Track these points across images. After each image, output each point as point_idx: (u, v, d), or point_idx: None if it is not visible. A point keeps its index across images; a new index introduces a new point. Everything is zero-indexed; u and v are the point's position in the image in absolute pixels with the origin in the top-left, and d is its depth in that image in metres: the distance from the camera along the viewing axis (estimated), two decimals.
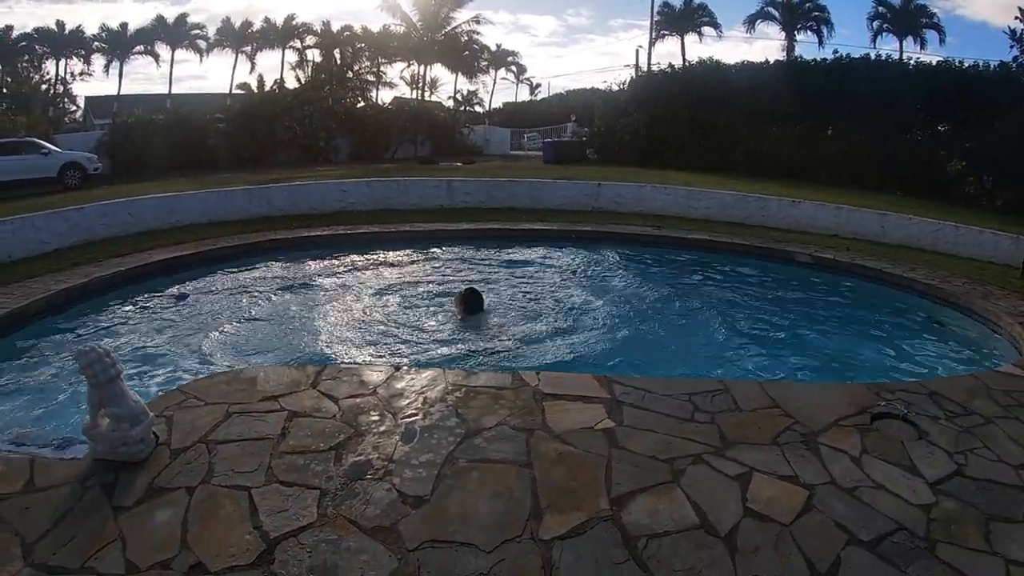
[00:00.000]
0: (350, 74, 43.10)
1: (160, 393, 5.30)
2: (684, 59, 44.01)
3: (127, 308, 9.00)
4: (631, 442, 3.98)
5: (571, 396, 4.56)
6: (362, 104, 37.23)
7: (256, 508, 3.49)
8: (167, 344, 7.57)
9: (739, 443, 4.03)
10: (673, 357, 7.18)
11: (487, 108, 59.48)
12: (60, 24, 54.67)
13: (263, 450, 4.02)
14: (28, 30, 54.52)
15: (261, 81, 42.60)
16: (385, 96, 46.02)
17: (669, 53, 70.30)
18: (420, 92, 40.42)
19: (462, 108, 45.83)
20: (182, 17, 55.94)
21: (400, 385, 4.86)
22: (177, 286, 9.87)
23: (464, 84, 48.14)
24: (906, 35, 46.99)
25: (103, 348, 4.11)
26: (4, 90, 44.05)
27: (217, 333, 7.90)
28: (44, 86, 51.65)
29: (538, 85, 77.18)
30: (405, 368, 5.28)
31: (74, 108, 58.74)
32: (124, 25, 55.66)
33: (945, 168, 20.30)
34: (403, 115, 35.09)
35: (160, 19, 55.56)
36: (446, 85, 51.42)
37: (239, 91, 46.86)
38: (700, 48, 57.97)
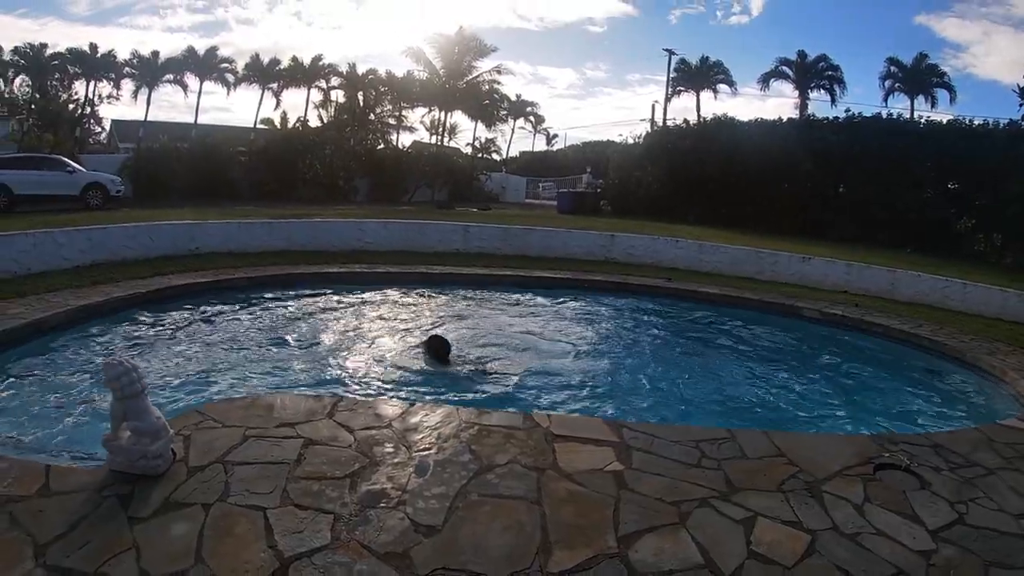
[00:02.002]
0: (372, 116, 43.68)
1: (176, 414, 5.42)
2: (699, 114, 44.63)
3: (144, 330, 9.19)
4: (639, 484, 4.07)
5: (581, 438, 4.67)
6: (382, 146, 37.77)
7: (271, 528, 3.59)
8: (185, 366, 7.73)
9: (744, 489, 4.12)
10: (680, 405, 7.27)
11: (504, 156, 60.17)
12: (93, 47, 55.63)
13: (279, 473, 4.13)
14: (61, 49, 55.54)
15: (284, 118, 43.39)
16: (405, 140, 46.80)
17: (684, 108, 71.49)
18: (440, 138, 40.93)
19: (480, 155, 46.28)
20: (212, 50, 56.96)
21: (415, 420, 4.98)
22: (201, 311, 10.11)
23: (483, 132, 48.72)
24: (917, 94, 47.64)
25: (130, 363, 4.23)
26: (32, 106, 44.78)
27: (234, 359, 8.09)
28: (72, 106, 52.49)
29: (555, 136, 78.19)
30: (420, 404, 5.42)
31: (99, 130, 59.87)
32: (155, 53, 56.57)
33: (955, 226, 20.37)
34: (422, 159, 35.63)
35: (191, 50, 56.60)
36: (465, 132, 52.17)
37: (263, 126, 47.71)
38: (715, 104, 58.88)
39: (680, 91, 53.76)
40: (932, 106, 47.44)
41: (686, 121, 31.08)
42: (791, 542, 3.61)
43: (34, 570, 3.26)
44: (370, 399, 5.95)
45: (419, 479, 4.06)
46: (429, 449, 4.47)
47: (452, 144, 46.12)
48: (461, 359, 8.31)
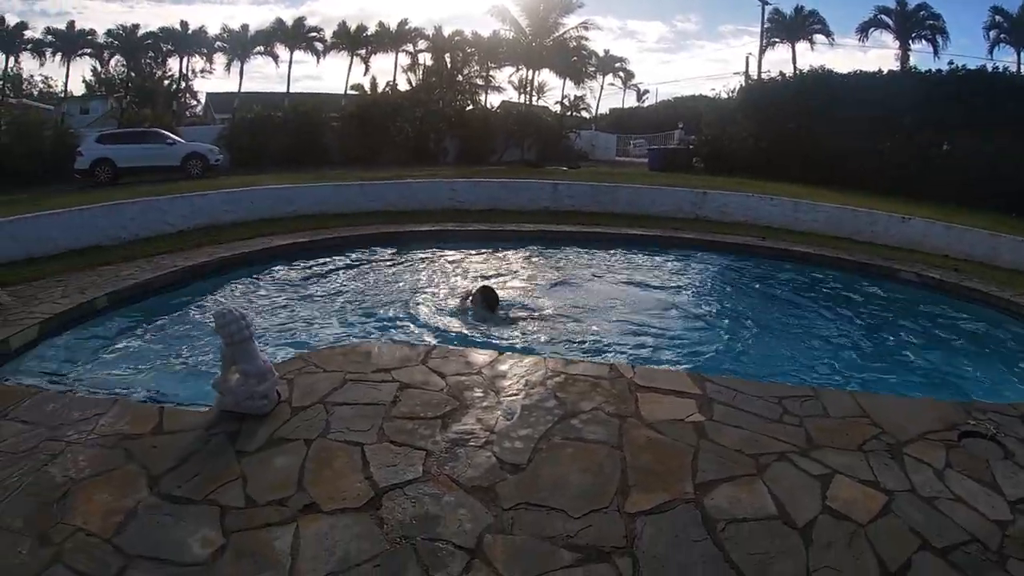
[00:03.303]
0: (459, 78, 43.75)
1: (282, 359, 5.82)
2: (795, 67, 42.84)
3: (248, 286, 9.85)
4: (719, 435, 4.17)
5: (664, 390, 4.78)
6: (471, 107, 37.89)
7: (368, 461, 3.89)
8: (288, 318, 8.38)
9: (824, 446, 4.15)
10: (765, 363, 7.26)
11: (594, 114, 59.42)
12: (184, 24, 58.40)
13: (376, 414, 4.43)
14: (153, 28, 58.44)
15: (374, 83, 44.19)
16: (493, 100, 46.74)
17: (780, 60, 68.86)
18: (528, 97, 40.71)
19: (569, 113, 45.87)
20: (300, 21, 58.53)
21: (503, 367, 5.23)
22: (303, 268, 10.75)
23: (572, 89, 48.24)
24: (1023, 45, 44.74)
25: (239, 311, 4.59)
26: (129, 84, 46.63)
27: (332, 312, 8.62)
28: (167, 82, 54.63)
29: (646, 91, 76.43)
30: (508, 353, 5.67)
31: (195, 103, 62.41)
32: (245, 26, 58.91)
33: None
34: (510, 119, 35.56)
35: (279, 22, 58.37)
36: (553, 90, 51.71)
37: (353, 92, 48.48)
38: (811, 56, 56.21)
39: (775, 43, 51.93)
40: None
41: (782, 74, 29.96)
42: (867, 501, 3.64)
43: (147, 498, 3.62)
44: (461, 348, 6.19)
45: (506, 422, 4.30)
46: (517, 395, 4.69)
47: (541, 103, 45.81)
48: (538, 312, 8.61)
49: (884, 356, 7.84)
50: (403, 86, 45.09)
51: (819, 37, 52.50)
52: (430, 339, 7.41)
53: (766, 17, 47.58)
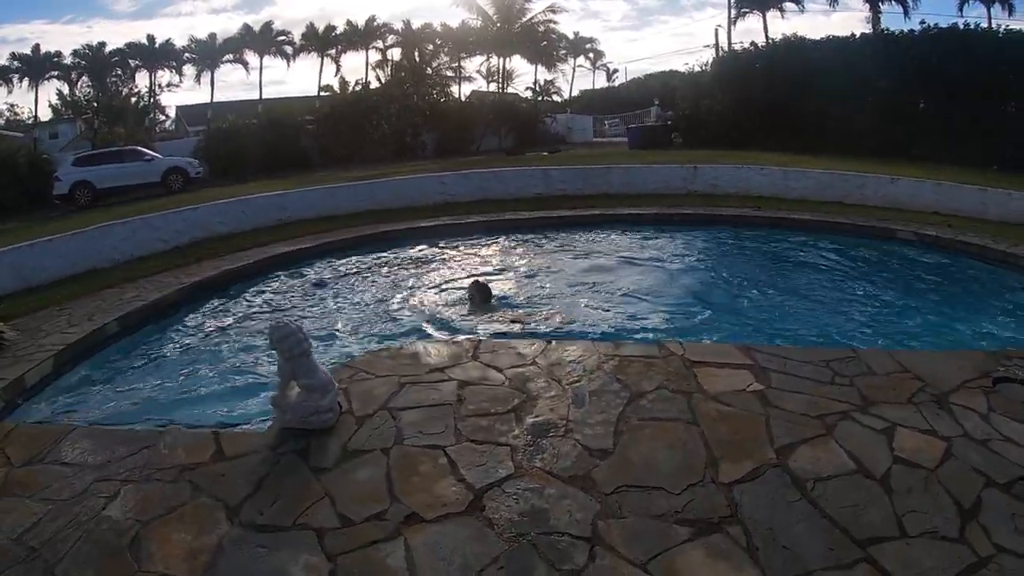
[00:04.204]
0: (429, 71, 43.69)
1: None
2: (767, 36, 43.21)
3: (261, 297, 9.79)
4: (782, 402, 4.38)
5: (717, 363, 4.97)
6: (445, 100, 37.88)
7: (455, 464, 3.91)
8: (313, 326, 8.15)
9: (879, 402, 4.38)
10: (793, 329, 7.52)
11: (567, 97, 59.66)
12: (151, 38, 59.13)
13: (445, 414, 4.45)
14: (120, 45, 58.45)
15: (343, 83, 43.85)
16: (464, 90, 46.75)
17: (748, 30, 69.04)
18: (500, 84, 40.75)
19: (540, 98, 46.08)
20: (268, 25, 59.62)
21: (556, 356, 5.31)
22: (315, 274, 10.70)
23: (543, 74, 48.42)
24: (993, 2, 45.44)
25: (295, 323, 4.50)
26: (95, 104, 46.23)
27: (356, 316, 8.64)
28: (134, 99, 54.29)
29: (615, 71, 77.29)
30: (556, 341, 5.76)
31: (163, 118, 62.21)
32: (213, 35, 59.90)
33: None
34: (486, 108, 35.69)
35: (247, 28, 59.51)
36: (522, 76, 51.94)
37: (325, 93, 48.37)
38: (782, 24, 56.68)
39: (745, 13, 52.16)
40: (1009, 14, 45.43)
41: (754, 44, 30.27)
42: (929, 448, 3.88)
43: (231, 530, 3.52)
44: (508, 340, 6.29)
45: (578, 409, 4.41)
46: (579, 381, 4.80)
47: (511, 90, 45.87)
48: (556, 297, 8.81)
49: (903, 314, 8.12)
50: (373, 83, 44.98)
51: (789, 4, 52.78)
52: (461, 332, 7.49)
53: None
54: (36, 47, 59.22)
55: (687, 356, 5.12)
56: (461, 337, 6.88)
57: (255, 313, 9.02)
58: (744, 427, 4.10)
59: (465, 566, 3.16)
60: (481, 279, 9.06)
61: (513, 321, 7.92)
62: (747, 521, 3.30)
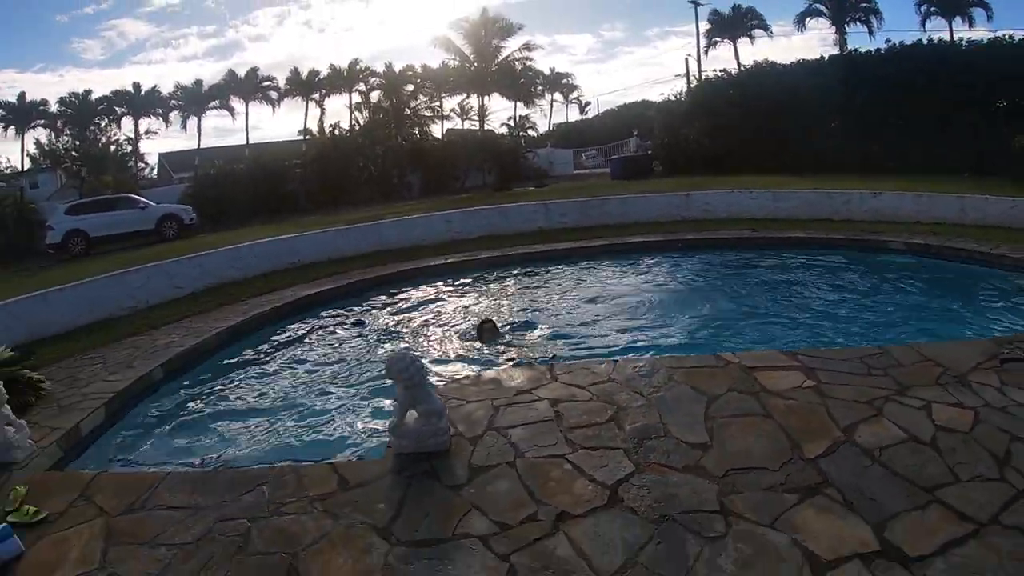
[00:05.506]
0: (407, 111, 44.50)
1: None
2: (738, 63, 44.90)
3: (302, 336, 10.06)
4: (835, 392, 5.15)
5: (770, 367, 5.73)
6: (428, 139, 38.70)
7: (580, 467, 4.37)
8: (359, 361, 8.64)
9: (913, 386, 5.19)
10: (821, 335, 8.39)
11: (546, 130, 60.96)
12: (136, 85, 60.09)
13: (550, 429, 4.90)
14: (107, 93, 59.76)
15: (321, 126, 44.62)
16: (439, 130, 47.83)
17: (718, 57, 70.89)
18: (480, 122, 41.76)
19: (517, 134, 47.11)
20: (253, 71, 61.13)
21: (628, 371, 5.87)
22: (344, 315, 11.05)
23: (521, 110, 49.59)
24: (954, 16, 47.50)
25: (412, 354, 4.77)
26: (74, 153, 46.66)
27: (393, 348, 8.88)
28: (113, 147, 54.77)
29: (587, 103, 78.81)
30: (622, 358, 6.46)
31: (143, 166, 62.46)
32: (199, 82, 61.05)
33: (1010, 145, 20.51)
34: (469, 145, 36.59)
35: (231, 74, 60.70)
36: (496, 113, 53.27)
37: (305, 137, 49.21)
38: (751, 50, 58.76)
39: (716, 42, 54.21)
40: (970, 26, 47.54)
41: (725, 71, 31.52)
42: (962, 417, 4.69)
43: (392, 549, 3.80)
44: (579, 361, 6.89)
45: (669, 413, 5.04)
46: (658, 390, 5.44)
47: (487, 127, 47.04)
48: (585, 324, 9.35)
49: (910, 314, 9.03)
50: (355, 125, 45.74)
51: (758, 32, 55.02)
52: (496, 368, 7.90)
53: (704, 18, 49.98)
54: (22, 95, 60.21)
55: (743, 363, 5.86)
56: (492, 364, 7.49)
57: (299, 353, 9.32)
58: (810, 415, 4.87)
59: (628, 545, 3.62)
60: (486, 316, 9.57)
61: (526, 351, 8.45)
62: (837, 484, 4.03)
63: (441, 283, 12.93)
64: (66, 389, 7.65)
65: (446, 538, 3.83)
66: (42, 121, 59.23)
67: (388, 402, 6.91)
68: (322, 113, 59.86)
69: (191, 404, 7.66)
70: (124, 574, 3.91)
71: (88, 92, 59.48)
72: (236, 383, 8.30)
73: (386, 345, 9.36)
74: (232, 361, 9.10)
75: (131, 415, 7.40)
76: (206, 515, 4.35)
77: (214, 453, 6.33)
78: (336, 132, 40.49)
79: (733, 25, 54.17)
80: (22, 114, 59.00)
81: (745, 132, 26.37)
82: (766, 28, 54.83)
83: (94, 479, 5.14)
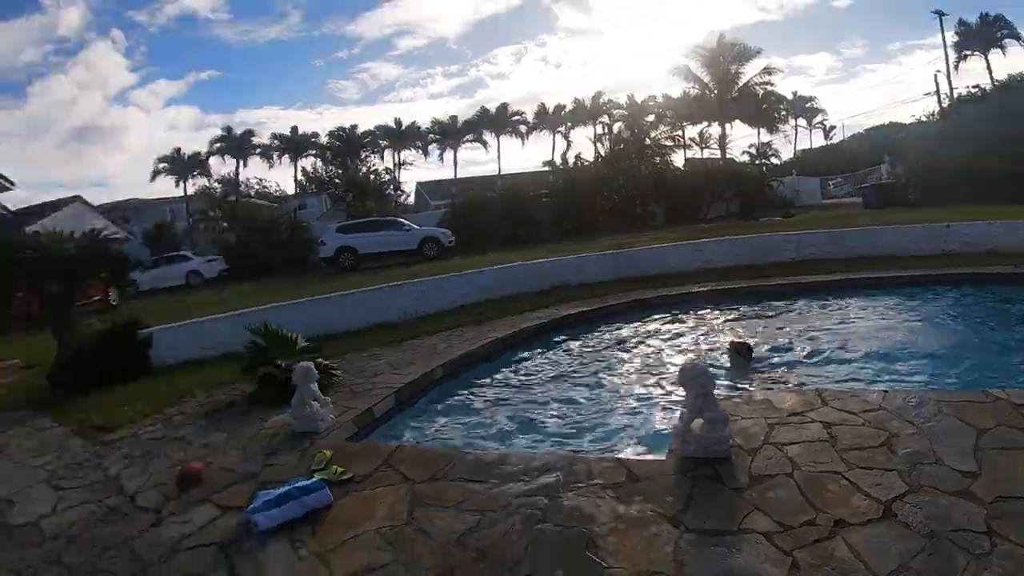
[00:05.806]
0: (648, 141, 45.09)
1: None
2: (991, 77, 41.49)
3: (569, 349, 10.98)
4: None
5: None
6: (672, 169, 39.16)
7: (856, 484, 4.58)
8: (633, 378, 9.22)
9: None
10: None
11: (790, 157, 59.47)
12: (397, 121, 68.02)
13: (825, 448, 5.13)
14: (370, 127, 68.83)
15: (564, 158, 46.58)
16: (682, 158, 48.13)
17: (969, 71, 65.38)
18: (722, 150, 41.48)
19: (758, 161, 46.40)
20: (503, 107, 67.09)
21: (898, 401, 5.98)
22: (610, 334, 11.85)
23: (764, 136, 48.67)
24: None
25: (703, 364, 5.20)
26: (336, 180, 51.81)
27: (654, 367, 9.56)
28: (372, 176, 60.58)
29: (832, 127, 75.26)
30: (892, 390, 6.57)
31: (399, 192, 68.74)
32: (454, 118, 68.63)
33: None
34: (712, 175, 36.85)
35: (483, 110, 67.57)
36: (736, 140, 52.68)
37: (549, 167, 51.57)
38: (1004, 62, 53.51)
39: (967, 55, 50.31)
40: None
41: (979, 87, 29.94)
42: None
43: (683, 535, 4.25)
44: (848, 390, 6.95)
45: (939, 442, 5.23)
46: (928, 421, 5.62)
47: (727, 155, 46.74)
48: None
49: None
50: (593, 156, 47.17)
51: (1008, 41, 50.54)
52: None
53: (952, 29, 46.58)
54: (294, 128, 70.20)
55: (1012, 399, 5.91)
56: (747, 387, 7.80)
57: (562, 364, 10.12)
58: None
59: (903, 553, 3.90)
60: (740, 340, 9.71)
61: (779, 376, 8.64)
62: None
63: (693, 311, 13.42)
64: (355, 378, 9.07)
65: (732, 531, 4.24)
66: (313, 151, 67.92)
67: (645, 410, 7.77)
68: (568, 145, 63.00)
69: (470, 400, 8.73)
70: (431, 531, 4.64)
71: (354, 127, 68.40)
72: (511, 384, 9.29)
73: (639, 359, 10.12)
74: (500, 367, 10.15)
75: (417, 404, 8.55)
76: (505, 489, 5.01)
77: (497, 442, 7.09)
78: (580, 162, 42.26)
79: (982, 35, 50.46)
80: (295, 145, 68.13)
81: (1011, 155, 24.27)
82: (1018, 37, 50.47)
83: (396, 450, 6.09)
